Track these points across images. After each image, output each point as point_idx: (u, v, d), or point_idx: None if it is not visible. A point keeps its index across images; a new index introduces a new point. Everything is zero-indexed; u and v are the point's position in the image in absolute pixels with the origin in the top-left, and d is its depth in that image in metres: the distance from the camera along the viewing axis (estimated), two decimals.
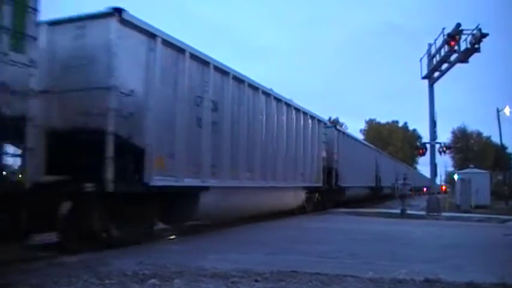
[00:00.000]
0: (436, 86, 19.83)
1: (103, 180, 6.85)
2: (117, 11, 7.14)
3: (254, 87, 11.73)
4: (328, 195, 18.58)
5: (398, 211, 18.48)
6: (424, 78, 20.08)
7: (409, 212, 18.65)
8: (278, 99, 13.19)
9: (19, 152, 5.62)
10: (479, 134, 72.45)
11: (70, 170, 6.78)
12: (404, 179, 22.62)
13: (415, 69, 20.66)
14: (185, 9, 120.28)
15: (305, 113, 15.33)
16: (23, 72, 5.53)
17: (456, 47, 17.79)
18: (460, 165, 59.67)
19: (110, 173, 6.89)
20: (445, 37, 18.04)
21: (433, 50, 19.60)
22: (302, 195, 15.58)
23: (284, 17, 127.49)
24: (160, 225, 9.47)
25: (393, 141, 77.84)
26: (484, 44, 16.95)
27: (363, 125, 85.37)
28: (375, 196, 28.94)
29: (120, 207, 7.48)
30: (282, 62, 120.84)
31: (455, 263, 6.74)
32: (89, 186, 6.74)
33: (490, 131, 66.94)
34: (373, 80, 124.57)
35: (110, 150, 6.92)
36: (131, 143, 7.46)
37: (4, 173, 5.75)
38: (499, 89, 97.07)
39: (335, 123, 42.69)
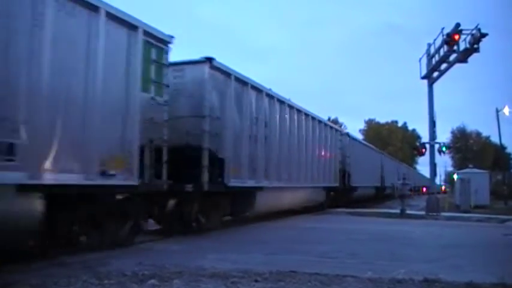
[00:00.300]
0: (436, 86, 19.84)
1: (200, 182, 9.34)
2: (209, 60, 9.77)
3: (291, 106, 14.40)
4: (342, 194, 20.89)
5: (397, 211, 18.49)
6: (423, 78, 20.08)
7: (408, 212, 18.66)
8: (307, 114, 15.75)
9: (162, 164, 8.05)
10: (478, 134, 72.41)
11: (175, 175, 8.49)
12: (404, 179, 22.66)
13: (415, 69, 20.68)
14: (185, 10, 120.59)
15: (325, 124, 18.46)
16: (161, 109, 8.07)
17: (455, 47, 17.79)
18: (459, 165, 59.64)
19: (205, 177, 9.44)
20: (444, 37, 18.04)
21: (432, 50, 19.59)
22: (323, 194, 18.28)
23: (284, 17, 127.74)
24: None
25: (393, 141, 77.84)
26: (483, 44, 16.97)
27: (362, 125, 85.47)
28: (380, 195, 31.06)
29: (207, 202, 10.01)
30: (282, 62, 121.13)
31: (455, 263, 6.75)
32: (189, 187, 9.10)
33: (489, 131, 66.91)
34: (372, 80, 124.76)
35: (205, 160, 9.50)
36: (217, 155, 9.98)
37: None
38: (498, 89, 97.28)
39: (335, 121, 42.86)
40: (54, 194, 5.89)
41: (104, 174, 6.68)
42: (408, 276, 5.38)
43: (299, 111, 15.10)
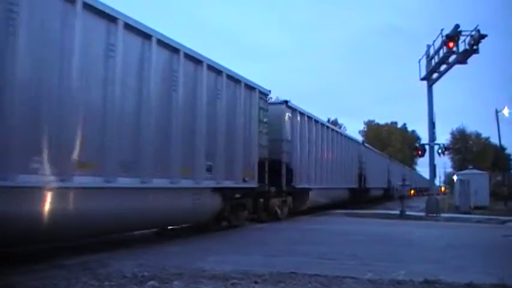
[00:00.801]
0: (435, 87, 19.86)
1: (280, 185, 13.65)
2: (286, 102, 14.62)
3: (327, 127, 19.52)
4: (359, 194, 24.77)
5: (397, 212, 18.49)
6: (422, 79, 20.09)
7: (408, 213, 18.66)
8: (337, 132, 21.41)
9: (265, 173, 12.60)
10: (478, 135, 72.42)
11: (264, 180, 12.50)
12: (404, 180, 22.65)
13: (414, 70, 20.70)
14: (187, 11, 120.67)
15: (349, 138, 24.11)
16: (265, 138, 12.62)
17: (455, 48, 17.80)
18: (459, 166, 59.65)
19: (284, 181, 13.83)
20: (444, 38, 18.07)
21: (431, 51, 19.61)
22: (347, 193, 22.65)
23: (285, 19, 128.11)
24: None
25: (392, 142, 77.84)
26: (483, 45, 16.98)
27: (361, 126, 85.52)
28: (387, 195, 34.02)
29: (283, 199, 14.32)
30: (283, 63, 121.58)
31: (455, 264, 6.75)
32: (272, 188, 13.19)
33: (489, 132, 66.95)
34: (372, 82, 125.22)
35: (283, 170, 13.82)
36: (289, 166, 14.30)
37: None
38: (498, 90, 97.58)
39: (335, 122, 43.16)
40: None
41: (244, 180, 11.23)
42: (408, 277, 5.38)
43: (332, 130, 20.53)
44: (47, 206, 5.91)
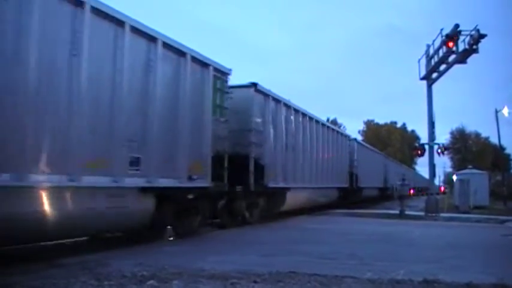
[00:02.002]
0: (435, 87, 19.87)
1: (247, 184, 11.58)
2: (254, 84, 12.16)
3: (311, 117, 16.67)
4: (351, 194, 22.94)
5: (397, 212, 18.49)
6: (422, 79, 20.10)
7: (407, 212, 18.67)
8: (323, 124, 18.44)
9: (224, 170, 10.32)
10: (477, 135, 72.36)
11: (222, 178, 10.21)
12: (403, 179, 22.65)
13: (414, 70, 20.72)
14: (188, 11, 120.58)
15: (338, 132, 21.27)
16: (223, 127, 10.33)
17: (454, 48, 17.80)
18: (458, 166, 59.60)
19: (251, 180, 11.71)
20: (443, 38, 18.07)
21: (431, 51, 19.62)
22: (336, 193, 20.74)
23: (285, 19, 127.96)
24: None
25: (392, 142, 77.87)
26: (483, 45, 16.98)
27: (361, 126, 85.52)
28: (383, 195, 32.82)
29: (251, 200, 12.36)
30: (283, 63, 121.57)
31: (454, 264, 6.74)
32: (239, 188, 11.25)
33: (488, 132, 66.85)
34: (372, 81, 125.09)
35: (251, 166, 11.74)
36: (260, 162, 12.19)
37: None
38: (498, 90, 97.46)
39: (334, 122, 43.02)
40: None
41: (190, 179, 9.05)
42: (407, 276, 5.38)
43: (317, 121, 17.56)
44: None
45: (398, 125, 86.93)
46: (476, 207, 23.41)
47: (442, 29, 18.41)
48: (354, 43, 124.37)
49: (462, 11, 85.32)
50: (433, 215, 17.79)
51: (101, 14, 6.83)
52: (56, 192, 6.10)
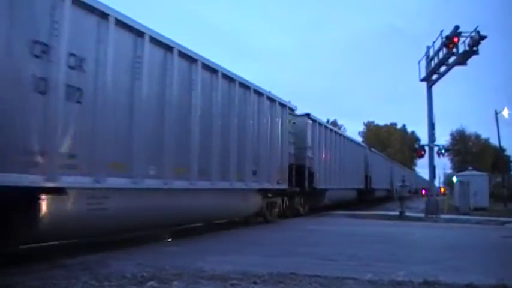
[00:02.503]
0: (435, 88, 19.91)
1: (303, 186, 15.74)
2: (307, 114, 16.69)
3: (340, 134, 22.73)
4: (365, 194, 26.80)
5: (397, 213, 18.49)
6: (422, 80, 20.13)
7: (407, 214, 18.68)
8: (349, 139, 24.48)
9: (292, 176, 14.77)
10: (477, 136, 72.28)
11: (292, 182, 14.52)
12: (403, 181, 22.65)
13: (414, 71, 20.75)
14: (189, 12, 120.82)
15: (359, 144, 27.29)
16: (291, 147, 14.66)
17: (454, 50, 17.83)
18: (458, 167, 59.57)
19: (306, 183, 16.02)
20: (443, 39, 18.09)
21: (431, 53, 19.65)
22: (355, 193, 24.85)
23: (286, 20, 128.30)
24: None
25: (392, 143, 77.84)
26: (483, 46, 17.06)
27: (361, 128, 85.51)
28: (390, 195, 35.62)
29: (306, 198, 16.71)
30: (283, 64, 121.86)
31: (454, 265, 6.75)
32: (297, 189, 15.18)
33: (488, 133, 66.91)
34: (372, 82, 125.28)
35: (306, 173, 16.09)
36: (310, 170, 16.51)
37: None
38: (498, 91, 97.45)
39: (334, 123, 43.69)
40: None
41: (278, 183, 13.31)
42: (408, 278, 5.38)
43: (344, 136, 23.30)
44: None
45: (399, 126, 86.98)
46: (476, 209, 23.41)
47: (442, 31, 18.48)
48: (355, 44, 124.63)
49: (463, 12, 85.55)
50: (433, 216, 17.80)
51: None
52: (224, 192, 10.31)
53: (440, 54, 18.63)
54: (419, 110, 59.36)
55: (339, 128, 43.32)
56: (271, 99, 12.89)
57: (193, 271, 5.54)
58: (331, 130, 20.03)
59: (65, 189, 5.93)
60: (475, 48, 17.05)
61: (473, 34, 16.98)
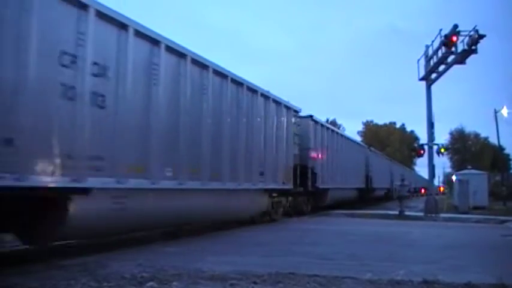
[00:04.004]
0: (434, 87, 19.86)
1: (306, 186, 15.92)
2: (311, 116, 17.01)
3: (342, 135, 23.37)
4: (366, 193, 26.87)
5: (396, 212, 18.50)
6: (421, 79, 20.11)
7: (407, 213, 18.68)
8: (352, 140, 25.52)
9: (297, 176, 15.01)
10: (477, 135, 72.40)
11: (296, 182, 14.79)
12: (402, 180, 22.64)
13: (414, 71, 20.71)
14: (190, 12, 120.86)
15: (359, 144, 27.69)
16: (296, 148, 14.98)
17: (453, 49, 17.82)
18: (457, 166, 59.63)
19: (309, 183, 16.16)
20: (442, 38, 18.08)
21: (430, 52, 19.62)
22: (356, 192, 24.89)
23: (287, 21, 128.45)
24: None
25: (391, 142, 77.87)
26: (482, 45, 17.03)
27: (360, 127, 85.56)
28: (389, 195, 35.14)
29: (308, 197, 17.03)
30: (284, 64, 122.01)
31: (454, 264, 6.75)
32: (300, 189, 15.38)
33: (487, 132, 66.86)
34: (371, 82, 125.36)
35: (309, 173, 16.20)
36: (314, 170, 16.69)
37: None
38: (497, 90, 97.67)
39: (333, 122, 43.84)
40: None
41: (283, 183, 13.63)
42: (407, 277, 5.38)
43: (344, 137, 23.48)
44: None
45: (398, 125, 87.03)
46: (475, 208, 23.43)
47: (441, 30, 18.44)
48: (355, 44, 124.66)
49: (462, 13, 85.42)
50: (433, 215, 17.80)
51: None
52: (232, 192, 10.64)
53: (439, 53, 18.60)
54: (419, 109, 59.51)
55: (338, 128, 43.36)
56: (277, 102, 13.24)
57: (192, 271, 5.54)
58: (332, 131, 20.55)
59: (91, 190, 6.35)
60: (474, 47, 17.04)
61: (472, 33, 16.98)
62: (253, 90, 11.65)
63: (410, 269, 5.98)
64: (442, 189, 42.48)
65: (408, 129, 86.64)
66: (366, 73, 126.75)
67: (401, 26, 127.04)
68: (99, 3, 6.54)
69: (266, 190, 12.52)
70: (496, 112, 32.74)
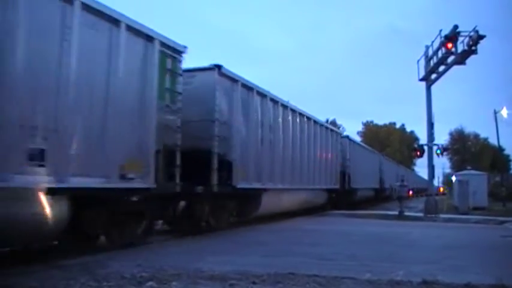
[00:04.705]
0: (434, 88, 19.86)
1: (210, 185, 9.79)
2: (218, 67, 10.32)
3: (294, 110, 14.94)
4: (343, 196, 21.54)
5: (396, 213, 18.49)
6: (421, 80, 20.10)
7: (407, 213, 18.67)
8: (308, 118, 16.39)
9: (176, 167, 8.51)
10: (476, 136, 72.50)
11: (185, 178, 8.74)
12: (402, 180, 22.65)
13: (414, 71, 20.71)
14: (191, 12, 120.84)
15: (326, 128, 19.53)
16: (175, 116, 8.58)
17: (453, 49, 17.82)
18: (457, 166, 59.67)
19: (214, 180, 9.90)
20: (442, 39, 18.08)
21: (430, 52, 19.62)
22: (325, 196, 19.28)
23: (287, 21, 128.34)
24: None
25: (391, 143, 77.87)
26: (482, 46, 17.02)
27: (360, 127, 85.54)
28: (379, 196, 33.68)
29: (216, 203, 10.65)
30: (284, 64, 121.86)
31: (453, 264, 6.75)
32: (199, 189, 9.55)
33: (487, 133, 66.76)
34: (371, 82, 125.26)
35: (214, 163, 9.98)
36: (226, 158, 10.44)
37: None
38: (497, 91, 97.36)
39: (333, 123, 44.05)
40: None
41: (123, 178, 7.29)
42: (407, 277, 5.39)
43: (301, 114, 15.66)
44: None
45: (397, 126, 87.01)
46: (475, 208, 23.41)
47: (441, 30, 18.44)
48: (355, 44, 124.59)
49: (463, 13, 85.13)
50: (432, 216, 17.79)
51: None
52: None
53: (439, 54, 18.59)
54: (419, 109, 59.46)
55: (338, 128, 43.34)
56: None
57: (192, 271, 5.55)
58: (274, 102, 14.02)
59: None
60: (473, 48, 17.02)
61: (472, 33, 16.97)
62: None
63: (409, 269, 5.98)
64: (441, 189, 42.51)
65: (408, 129, 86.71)
66: (366, 73, 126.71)
67: (401, 26, 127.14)
68: None
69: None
70: (495, 113, 32.71)
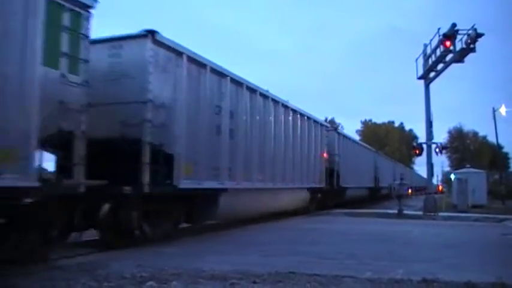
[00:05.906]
0: (432, 86, 19.87)
1: (140, 184, 7.68)
2: (151, 33, 8.01)
3: (265, 96, 12.80)
4: (331, 195, 20.03)
5: (395, 211, 18.50)
6: (419, 78, 20.11)
7: (406, 212, 18.67)
8: (285, 106, 14.27)
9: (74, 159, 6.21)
10: (475, 134, 72.44)
11: (109, 175, 6.89)
12: (401, 179, 22.63)
13: (412, 70, 20.71)
14: (191, 12, 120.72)
15: (308, 118, 16.49)
16: (76, 91, 6.26)
17: (452, 47, 17.83)
18: (456, 165, 59.67)
19: (146, 177, 7.76)
20: (441, 37, 18.09)
21: (428, 50, 19.63)
22: (308, 196, 16.73)
23: (287, 21, 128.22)
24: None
25: (389, 141, 77.91)
26: (481, 44, 17.06)
27: (359, 126, 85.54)
28: (374, 196, 32.98)
29: (152, 207, 8.35)
30: (284, 64, 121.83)
31: (453, 263, 6.76)
32: (127, 189, 7.50)
33: (486, 131, 66.89)
34: (370, 82, 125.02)
35: (146, 157, 7.79)
36: (163, 151, 8.20)
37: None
38: (495, 89, 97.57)
39: (332, 121, 43.82)
40: None
41: None
42: (406, 276, 5.39)
43: (275, 101, 13.41)
44: None
45: (396, 124, 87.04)
46: (474, 206, 23.45)
47: (439, 28, 18.45)
48: (354, 44, 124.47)
49: (462, 12, 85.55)
50: (432, 214, 17.80)
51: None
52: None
53: (438, 52, 18.61)
54: (417, 108, 59.52)
55: (337, 127, 43.33)
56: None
57: (192, 271, 5.55)
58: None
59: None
60: (472, 46, 17.05)
61: (470, 32, 16.99)
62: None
63: (409, 267, 5.99)
64: (440, 188, 42.52)
65: (407, 128, 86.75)
66: (365, 72, 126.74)
67: (401, 26, 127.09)
68: None
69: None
70: (494, 111, 32.78)
